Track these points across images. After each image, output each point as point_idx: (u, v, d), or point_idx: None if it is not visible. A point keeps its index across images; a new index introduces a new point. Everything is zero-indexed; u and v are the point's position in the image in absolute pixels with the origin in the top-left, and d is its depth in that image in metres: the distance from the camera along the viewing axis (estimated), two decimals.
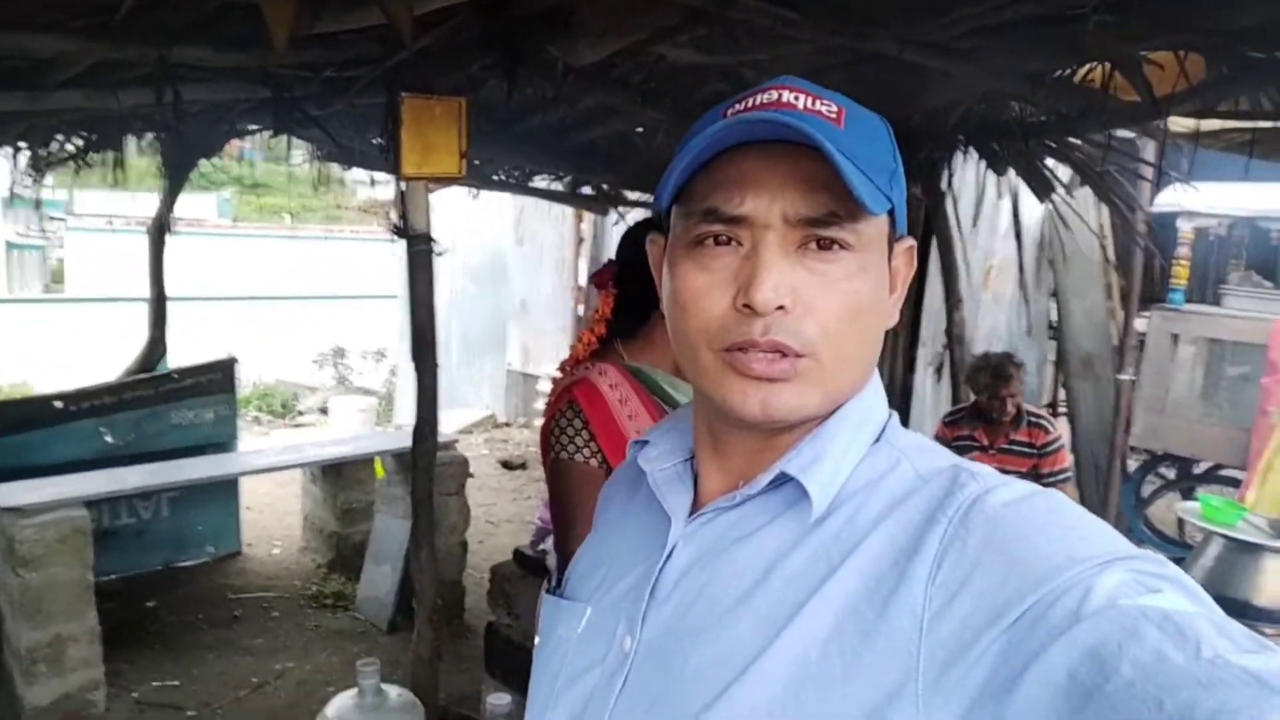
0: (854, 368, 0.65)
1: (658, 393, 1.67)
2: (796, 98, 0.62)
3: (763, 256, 0.60)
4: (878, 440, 0.67)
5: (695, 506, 0.70)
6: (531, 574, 3.05)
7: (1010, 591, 0.51)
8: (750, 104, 0.63)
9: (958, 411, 3.78)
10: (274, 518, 5.60)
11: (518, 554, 3.23)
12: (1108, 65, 2.63)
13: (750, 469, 0.67)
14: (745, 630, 0.60)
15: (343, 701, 2.36)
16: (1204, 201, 5.17)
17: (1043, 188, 4.38)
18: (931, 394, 5.44)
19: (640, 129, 4.26)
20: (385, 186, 6.86)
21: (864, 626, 0.56)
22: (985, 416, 3.61)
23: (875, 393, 0.69)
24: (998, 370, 3.53)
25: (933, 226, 4.25)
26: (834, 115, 0.62)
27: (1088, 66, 2.79)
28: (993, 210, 5.66)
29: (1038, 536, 0.53)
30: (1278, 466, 4.17)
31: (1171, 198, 4.98)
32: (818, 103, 0.62)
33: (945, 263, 4.30)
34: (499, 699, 1.95)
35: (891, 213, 0.64)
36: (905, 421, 0.72)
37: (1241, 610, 2.34)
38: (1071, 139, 3.78)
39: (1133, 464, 5.09)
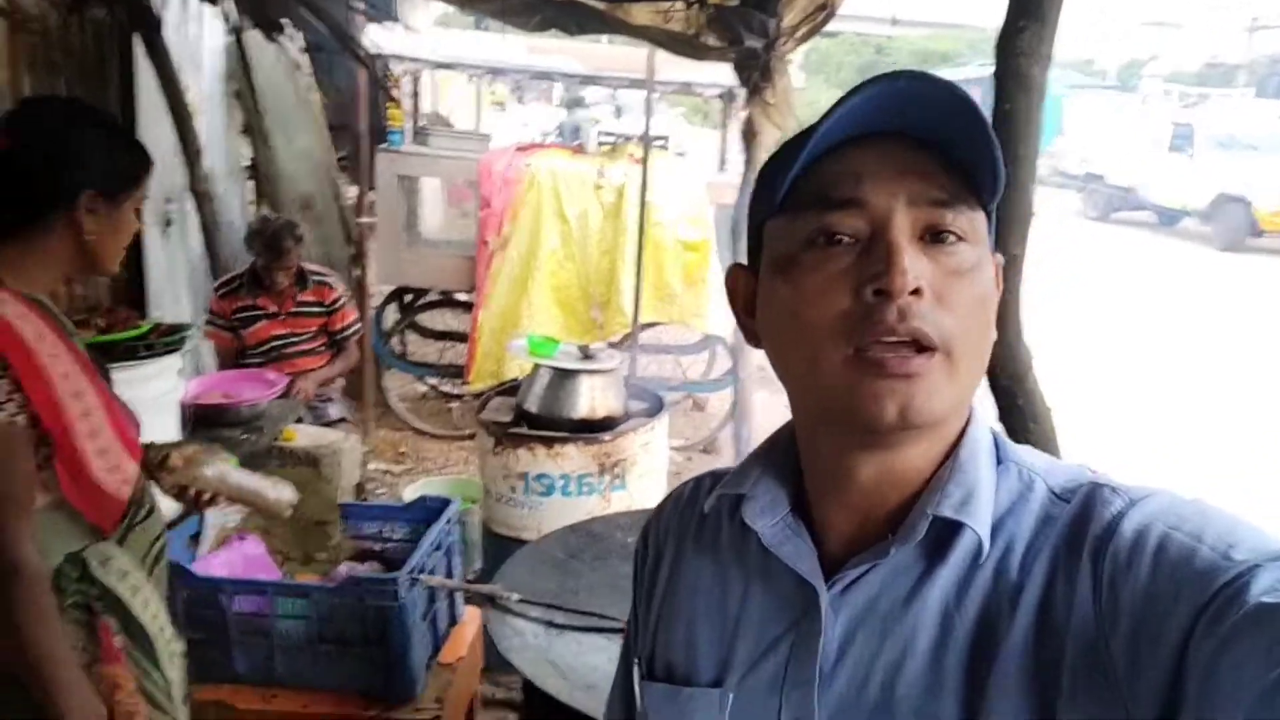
0: (979, 368, 0.62)
1: (70, 331, 1.32)
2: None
3: (892, 239, 0.58)
4: (1000, 461, 0.64)
5: (823, 560, 0.65)
6: None
7: (1171, 601, 0.52)
8: (862, 95, 0.58)
9: (233, 281, 3.44)
10: None
11: None
12: None
13: (873, 507, 0.64)
14: (948, 701, 0.58)
15: None
16: (411, 45, 5.50)
17: (270, 25, 4.08)
18: (163, 250, 4.82)
19: None
20: None
21: (1055, 660, 0.56)
22: (264, 284, 3.38)
23: (978, 408, 0.66)
24: (272, 243, 3.29)
25: (156, 64, 3.63)
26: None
27: None
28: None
29: (1193, 543, 0.54)
30: (500, 283, 4.87)
31: (383, 40, 5.16)
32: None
33: (175, 106, 3.74)
34: None
35: (990, 219, 0.63)
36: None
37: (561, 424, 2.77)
38: None
39: (378, 299, 5.36)
